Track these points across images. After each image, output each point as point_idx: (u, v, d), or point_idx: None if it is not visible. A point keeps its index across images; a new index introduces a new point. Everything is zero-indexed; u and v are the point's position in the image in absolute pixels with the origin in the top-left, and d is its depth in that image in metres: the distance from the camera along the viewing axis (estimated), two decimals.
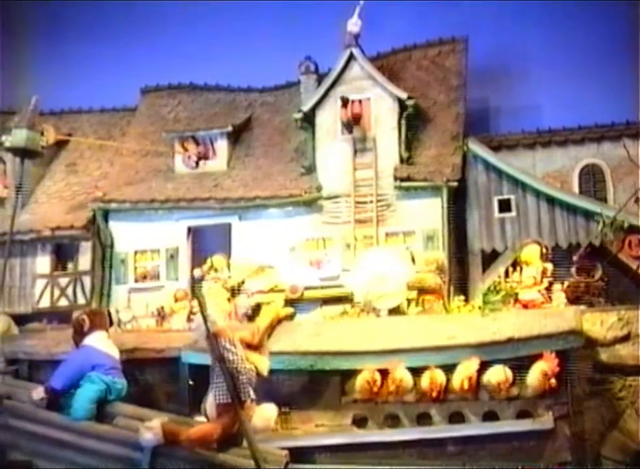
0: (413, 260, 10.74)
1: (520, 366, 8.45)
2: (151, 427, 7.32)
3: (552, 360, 8.20)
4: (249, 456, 7.09)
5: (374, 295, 10.13)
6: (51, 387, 7.90)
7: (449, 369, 8.53)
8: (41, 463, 7.70)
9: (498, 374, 8.37)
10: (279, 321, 9.25)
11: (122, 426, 7.69)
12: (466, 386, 8.38)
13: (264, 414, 7.57)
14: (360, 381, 8.59)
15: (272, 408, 7.70)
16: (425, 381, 8.50)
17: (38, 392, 7.94)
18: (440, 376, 8.47)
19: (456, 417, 8.49)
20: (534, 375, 8.29)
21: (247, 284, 11.27)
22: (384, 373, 8.58)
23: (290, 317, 10.19)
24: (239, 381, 7.34)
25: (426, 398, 8.50)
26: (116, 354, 8.23)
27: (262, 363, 7.69)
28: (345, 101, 11.78)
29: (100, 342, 8.17)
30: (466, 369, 8.39)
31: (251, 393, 7.46)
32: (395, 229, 11.49)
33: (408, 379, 8.52)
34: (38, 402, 7.92)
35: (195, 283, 7.41)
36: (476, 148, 11.53)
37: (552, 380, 8.21)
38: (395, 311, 10.15)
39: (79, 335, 8.27)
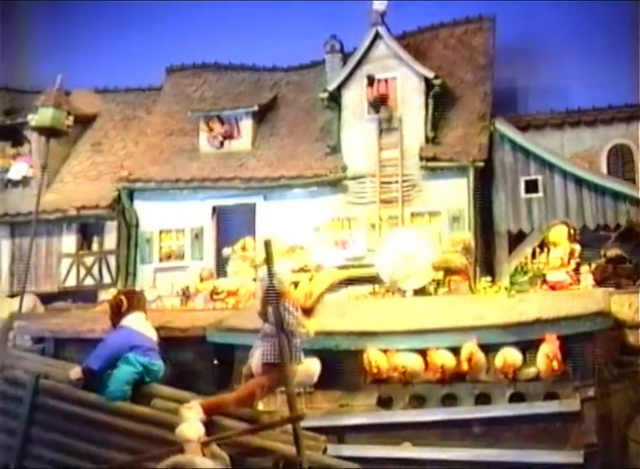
0: (439, 240, 10.65)
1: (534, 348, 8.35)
2: (191, 407, 7.27)
3: (554, 342, 8.11)
4: (287, 441, 7.04)
5: (400, 275, 10.08)
6: (89, 367, 7.86)
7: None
8: (78, 443, 7.69)
9: (501, 358, 8.28)
10: (335, 286, 9.14)
11: (159, 408, 7.67)
12: (466, 367, 8.30)
13: (308, 369, 7.53)
14: (364, 361, 8.53)
15: (316, 362, 7.65)
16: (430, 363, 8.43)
17: (76, 372, 7.91)
18: (439, 358, 8.38)
19: (482, 399, 8.42)
20: (540, 357, 8.22)
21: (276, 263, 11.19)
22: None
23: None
24: (292, 343, 7.27)
25: (439, 378, 8.42)
26: (153, 335, 8.18)
27: (312, 327, 7.61)
28: (371, 80, 11.69)
29: (138, 323, 8.11)
30: (465, 350, 8.30)
31: (302, 356, 7.42)
32: (420, 209, 11.42)
33: (412, 363, 8.44)
34: (75, 382, 7.90)
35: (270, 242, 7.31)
36: (503, 128, 11.42)
37: (555, 363, 8.11)
38: (420, 291, 10.09)
39: (117, 315, 8.19)
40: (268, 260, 7.21)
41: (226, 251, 11.90)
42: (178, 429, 6.86)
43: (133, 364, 7.79)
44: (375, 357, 8.44)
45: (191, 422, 6.89)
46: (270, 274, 7.19)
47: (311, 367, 7.60)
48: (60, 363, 8.59)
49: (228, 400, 7.35)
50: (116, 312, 8.21)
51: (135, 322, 8.10)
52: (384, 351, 8.51)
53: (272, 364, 7.23)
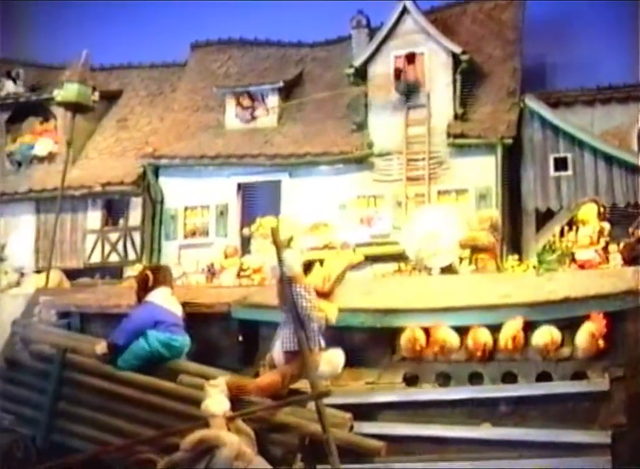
0: (466, 218, 10.53)
1: (572, 326, 8.24)
2: (216, 384, 7.25)
3: (600, 321, 7.99)
4: (313, 418, 7.00)
5: (426, 253, 9.98)
6: (114, 342, 7.88)
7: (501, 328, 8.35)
8: (104, 418, 7.71)
9: (544, 336, 8.17)
10: (352, 268, 9.09)
11: (185, 384, 7.67)
12: (510, 346, 8.20)
13: (331, 360, 7.46)
14: (403, 339, 8.45)
15: (339, 353, 7.57)
16: (469, 341, 8.34)
17: (101, 347, 7.93)
18: (483, 336, 8.29)
19: (508, 378, 8.33)
20: (582, 336, 8.09)
21: (300, 240, 11.18)
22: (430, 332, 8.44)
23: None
24: (309, 329, 7.21)
25: (474, 357, 8.35)
26: (178, 311, 8.17)
27: (332, 312, 7.54)
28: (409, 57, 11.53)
29: (163, 298, 8.10)
30: (510, 328, 8.20)
31: (321, 341, 7.34)
32: (447, 187, 11.34)
33: (452, 339, 8.35)
34: (100, 357, 7.92)
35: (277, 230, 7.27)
36: (533, 104, 11.27)
37: (601, 341, 8.01)
38: (447, 269, 9.99)
39: (143, 290, 8.18)
40: (277, 248, 7.17)
41: (245, 231, 11.87)
42: (204, 404, 6.84)
43: (150, 342, 7.80)
44: (419, 334, 8.35)
45: (216, 397, 6.86)
46: (280, 261, 7.12)
47: (334, 358, 7.54)
48: (87, 337, 8.58)
49: (251, 387, 7.33)
50: (142, 288, 8.20)
51: (160, 297, 8.09)
52: (425, 328, 8.43)
53: (292, 352, 7.19)
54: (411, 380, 8.50)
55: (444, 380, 8.44)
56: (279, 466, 6.89)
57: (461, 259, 10.09)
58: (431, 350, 8.36)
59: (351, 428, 7.42)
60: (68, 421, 7.83)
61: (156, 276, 8.21)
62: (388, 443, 7.72)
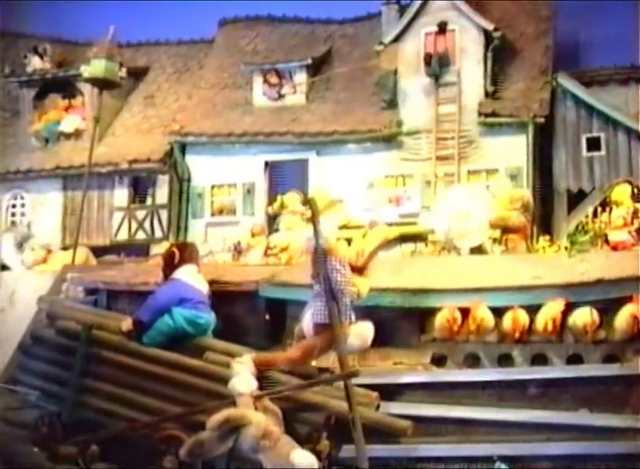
0: (496, 198, 10.38)
1: (607, 308, 8.11)
2: (242, 361, 7.20)
3: None
4: (340, 397, 6.94)
5: (455, 233, 9.85)
6: (139, 319, 7.84)
7: (533, 309, 8.22)
8: (130, 394, 7.70)
9: (584, 317, 8.04)
10: (387, 244, 8.98)
11: (211, 361, 7.63)
12: (550, 328, 8.07)
13: (361, 333, 7.36)
14: (439, 319, 8.34)
15: (369, 326, 7.47)
16: (507, 321, 8.22)
17: (127, 323, 7.90)
18: (523, 317, 8.18)
19: (539, 360, 8.22)
20: (623, 318, 7.94)
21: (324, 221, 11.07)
22: (464, 312, 8.34)
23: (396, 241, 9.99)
24: (341, 302, 7.12)
25: (508, 339, 8.24)
26: (205, 288, 8.11)
27: (364, 286, 7.44)
28: (442, 28, 11.33)
29: (189, 275, 8.05)
30: (551, 309, 8.07)
31: (352, 315, 7.26)
32: (477, 167, 11.21)
33: (489, 319, 8.24)
34: (126, 334, 7.89)
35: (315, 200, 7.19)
36: (566, 83, 11.07)
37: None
38: (476, 249, 9.86)
39: (169, 267, 8.13)
40: (313, 219, 7.06)
41: (269, 209, 11.80)
42: (231, 383, 6.78)
43: (176, 318, 7.76)
44: (457, 314, 8.25)
45: (244, 376, 6.80)
46: (316, 233, 7.02)
47: (364, 331, 7.43)
48: (112, 314, 8.56)
49: (279, 359, 7.26)
50: (169, 265, 8.15)
51: (186, 274, 8.04)
52: (462, 309, 8.32)
53: (322, 324, 7.11)
54: (439, 361, 8.41)
55: (472, 361, 8.35)
56: (305, 444, 6.83)
57: (491, 239, 9.96)
58: (467, 329, 8.25)
59: (378, 407, 7.34)
60: (93, 397, 7.82)
61: (182, 253, 8.16)
62: (415, 424, 7.65)
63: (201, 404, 7.26)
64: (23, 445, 7.79)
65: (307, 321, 7.27)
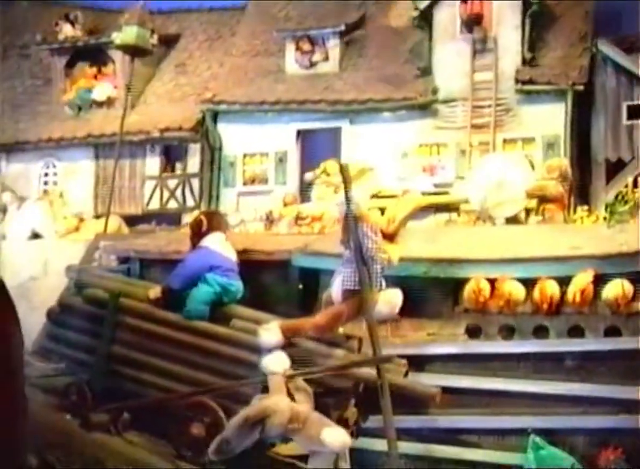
0: (533, 167, 10.20)
1: None
2: (269, 328, 7.16)
3: None
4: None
5: (491, 203, 9.69)
6: (168, 287, 7.79)
7: (570, 281, 8.06)
8: (158, 361, 7.70)
9: (616, 289, 7.86)
10: (418, 211, 8.85)
11: (238, 328, 7.59)
12: (578, 299, 7.91)
13: (390, 299, 7.26)
14: (467, 290, 8.21)
15: (397, 292, 7.37)
16: (536, 293, 8.07)
17: (155, 291, 7.85)
18: (551, 288, 8.00)
19: (575, 332, 8.07)
20: None
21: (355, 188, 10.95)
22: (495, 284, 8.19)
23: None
24: (372, 269, 7.03)
25: (539, 310, 8.09)
26: (233, 256, 8.04)
27: (395, 253, 7.32)
28: None
29: (217, 243, 7.97)
30: (580, 281, 7.90)
31: (382, 282, 7.16)
32: (514, 135, 11.00)
33: (518, 292, 8.09)
34: (154, 302, 7.85)
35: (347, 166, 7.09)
36: (606, 49, 10.79)
37: None
38: (512, 219, 9.70)
39: (197, 235, 8.05)
40: (345, 185, 6.94)
41: (308, 175, 11.67)
42: (264, 361, 6.73)
43: (212, 284, 7.69)
44: (483, 285, 8.11)
45: (277, 354, 6.74)
46: (347, 199, 6.90)
47: (393, 298, 7.30)
48: (140, 282, 8.54)
49: (306, 326, 7.18)
50: (197, 233, 8.09)
51: (214, 242, 7.97)
52: (490, 279, 8.18)
53: (351, 291, 7.01)
54: (474, 332, 8.29)
55: (507, 332, 8.22)
56: (332, 412, 6.78)
57: (527, 210, 9.79)
58: (496, 302, 8.12)
59: (406, 374, 7.26)
60: (121, 365, 7.82)
61: (210, 221, 8.09)
62: (449, 396, 7.57)
63: (227, 371, 7.27)
64: (55, 412, 7.82)
65: (336, 287, 7.18)
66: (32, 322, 8.64)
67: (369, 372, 6.85)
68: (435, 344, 8.20)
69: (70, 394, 7.85)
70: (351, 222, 6.93)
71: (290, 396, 6.44)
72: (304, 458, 6.71)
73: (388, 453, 6.74)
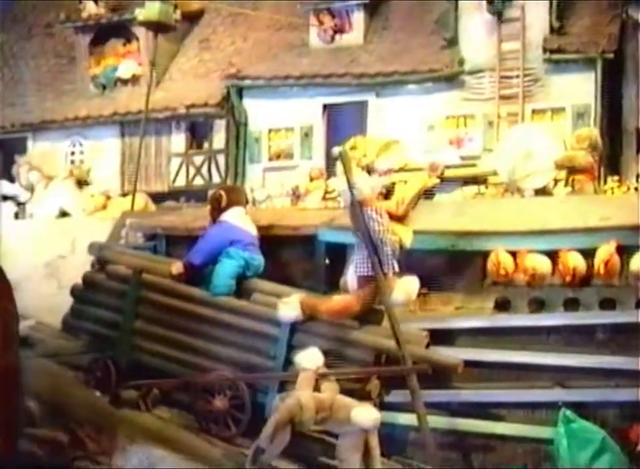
0: (562, 137, 10.04)
1: None
2: (289, 302, 7.16)
3: None
4: (389, 335, 6.84)
5: (519, 174, 9.56)
6: (190, 262, 7.82)
7: None
8: (180, 336, 7.72)
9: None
10: (426, 191, 8.79)
11: (259, 302, 7.59)
12: (602, 271, 7.78)
13: (406, 287, 7.22)
14: (488, 263, 8.12)
15: (414, 280, 7.33)
16: (559, 265, 7.94)
17: (177, 267, 7.88)
18: (573, 260, 7.87)
19: (606, 304, 7.96)
20: None
21: (377, 163, 10.89)
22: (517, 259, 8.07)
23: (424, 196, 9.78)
24: (383, 252, 6.99)
25: (565, 283, 7.98)
26: (253, 230, 8.05)
27: (406, 235, 7.28)
28: None
29: (237, 218, 7.98)
30: (603, 252, 7.76)
31: (395, 265, 7.11)
32: (542, 106, 10.86)
33: (541, 265, 7.96)
34: (176, 277, 7.87)
35: (346, 153, 7.07)
36: (637, 15, 10.54)
37: None
38: (541, 191, 9.57)
39: (217, 210, 8.08)
40: (346, 172, 7.01)
41: (335, 150, 11.55)
42: (297, 357, 6.72)
43: (236, 258, 7.71)
44: (503, 258, 8.02)
45: (311, 351, 6.73)
46: (350, 185, 6.94)
47: (409, 285, 7.28)
48: (162, 258, 8.59)
49: (322, 309, 7.19)
50: (216, 208, 8.11)
51: (234, 216, 7.98)
52: (512, 252, 8.08)
53: (365, 277, 6.99)
54: (503, 306, 8.21)
55: (537, 305, 8.13)
56: (355, 384, 6.77)
57: (556, 181, 9.65)
58: (520, 275, 8.02)
59: (428, 345, 7.21)
60: (144, 340, 7.88)
61: (229, 196, 8.09)
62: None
63: (248, 345, 7.31)
64: (84, 389, 7.88)
65: (350, 274, 7.18)
66: (60, 300, 8.73)
67: (390, 344, 6.82)
68: (463, 318, 8.13)
69: (94, 370, 7.93)
70: (356, 208, 6.90)
71: (317, 387, 6.44)
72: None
73: (418, 426, 6.73)
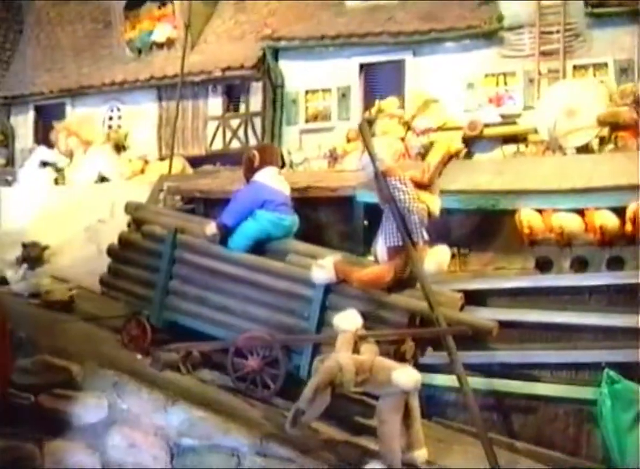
0: (605, 93, 9.80)
1: None
2: (323, 265, 7.11)
3: None
4: (422, 297, 6.77)
5: (561, 132, 9.37)
6: (223, 223, 7.78)
7: None
8: (214, 296, 7.73)
9: None
10: (450, 158, 8.67)
11: (294, 263, 7.56)
12: (629, 228, 7.62)
13: (437, 256, 7.14)
14: (517, 221, 7.98)
15: (445, 249, 7.24)
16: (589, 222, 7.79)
17: (211, 228, 7.85)
18: (600, 218, 7.70)
19: None
20: None
21: (416, 121, 10.76)
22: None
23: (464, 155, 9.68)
24: (410, 221, 6.91)
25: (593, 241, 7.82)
26: (286, 190, 7.97)
27: (434, 203, 7.17)
28: None
29: (270, 178, 7.90)
30: (630, 210, 7.59)
31: (424, 234, 7.02)
32: (584, 61, 10.57)
33: (569, 224, 7.81)
34: (210, 238, 7.86)
35: (365, 126, 7.01)
36: None
37: None
38: (583, 148, 9.38)
39: (250, 170, 8.00)
40: (366, 144, 6.92)
41: (366, 114, 11.49)
42: (336, 318, 6.67)
43: (260, 221, 7.66)
44: (528, 217, 7.88)
45: (350, 312, 6.67)
46: (371, 157, 6.83)
47: (440, 254, 7.17)
48: (196, 218, 8.57)
49: (353, 277, 7.10)
50: (249, 168, 8.03)
51: (267, 176, 7.90)
52: (540, 211, 7.94)
53: (395, 247, 6.90)
54: (544, 265, 8.10)
55: (579, 265, 8.00)
56: (389, 346, 6.72)
57: (599, 138, 9.45)
58: (545, 234, 7.88)
59: (462, 308, 7.13)
60: (179, 299, 7.90)
61: (262, 156, 8.00)
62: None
63: (282, 305, 7.31)
64: (127, 352, 7.95)
65: (380, 245, 7.09)
66: (100, 264, 8.77)
67: (424, 305, 6.76)
68: (504, 278, 8.04)
69: (129, 328, 7.99)
70: (380, 179, 6.81)
71: (356, 349, 6.40)
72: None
73: (459, 388, 6.69)
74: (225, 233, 7.75)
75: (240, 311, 7.54)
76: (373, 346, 6.53)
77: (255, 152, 8.03)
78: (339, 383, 6.07)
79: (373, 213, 8.40)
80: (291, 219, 7.85)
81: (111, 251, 8.48)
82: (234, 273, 7.66)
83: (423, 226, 7.01)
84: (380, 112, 11.28)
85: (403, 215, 6.86)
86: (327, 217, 8.73)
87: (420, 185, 7.15)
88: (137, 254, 8.27)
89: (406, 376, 6.12)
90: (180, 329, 7.88)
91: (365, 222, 8.52)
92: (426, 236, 7.00)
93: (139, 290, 8.14)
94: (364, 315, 6.71)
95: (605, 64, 10.45)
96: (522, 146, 10.16)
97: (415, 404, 6.29)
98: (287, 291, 7.37)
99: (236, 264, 7.67)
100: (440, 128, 10.68)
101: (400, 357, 6.64)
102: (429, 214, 7.12)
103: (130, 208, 8.61)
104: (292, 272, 7.41)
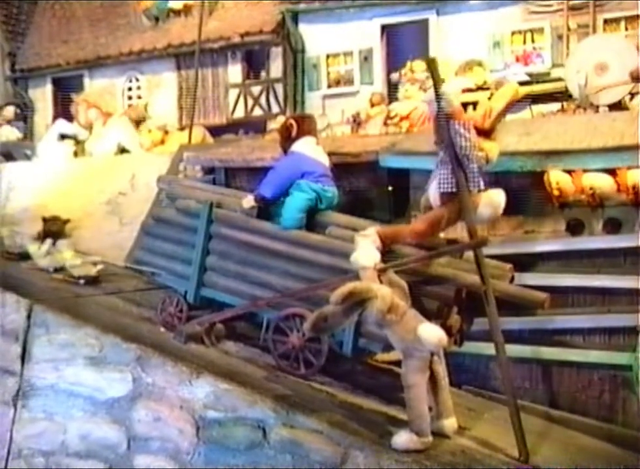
0: (638, 47, 9.45)
1: None
2: (367, 234, 6.83)
3: None
4: (470, 270, 6.53)
5: (592, 89, 9.04)
6: (261, 195, 7.49)
7: None
8: (253, 272, 7.48)
9: None
10: (516, 102, 8.33)
11: (335, 236, 7.31)
12: None
13: (492, 201, 6.80)
14: (546, 182, 7.69)
15: (500, 193, 6.91)
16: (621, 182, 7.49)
17: (248, 200, 7.58)
18: (630, 178, 7.40)
19: None
20: None
21: (452, 82, 10.44)
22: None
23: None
24: (469, 169, 6.60)
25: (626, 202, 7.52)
26: (326, 161, 7.65)
27: (493, 150, 6.84)
28: None
29: (309, 148, 7.57)
30: None
31: (481, 183, 6.72)
32: (615, 15, 10.27)
33: (602, 184, 7.52)
34: (248, 211, 7.61)
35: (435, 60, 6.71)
36: None
37: None
38: (616, 106, 9.06)
39: (287, 141, 7.66)
40: (435, 81, 6.43)
41: (394, 76, 11.19)
42: (353, 256, 6.45)
43: (306, 191, 7.35)
44: (557, 178, 7.60)
45: (366, 249, 6.44)
46: (437, 95, 6.40)
47: (494, 198, 6.82)
48: (232, 191, 8.29)
49: (405, 232, 6.81)
50: (286, 138, 7.71)
51: (306, 147, 7.59)
52: (569, 172, 7.66)
53: (449, 193, 6.60)
54: (576, 228, 7.84)
55: (612, 226, 7.73)
56: (434, 319, 6.49)
57: (632, 94, 9.12)
58: (577, 196, 7.61)
59: (512, 279, 6.88)
60: (216, 276, 7.68)
61: (300, 125, 7.67)
62: (552, 295, 7.19)
63: (324, 280, 7.02)
64: (150, 325, 7.83)
65: (433, 191, 6.76)
66: (123, 236, 8.65)
67: (471, 278, 6.51)
68: (535, 242, 7.79)
69: (166, 306, 7.82)
70: (442, 121, 6.50)
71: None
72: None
73: (489, 355, 6.50)
74: (263, 206, 7.51)
75: (281, 287, 7.27)
76: (403, 294, 6.29)
77: (293, 121, 7.69)
78: (370, 308, 5.84)
79: (398, 179, 8.21)
80: (333, 191, 7.59)
81: (144, 228, 8.29)
82: (274, 247, 7.36)
83: (481, 175, 6.70)
84: (411, 71, 10.96)
85: (462, 161, 6.55)
86: (351, 184, 8.49)
87: (480, 132, 6.82)
88: (171, 230, 8.02)
89: (432, 331, 5.89)
90: (217, 306, 7.69)
91: (390, 188, 8.28)
92: (482, 185, 6.70)
93: (176, 267, 7.92)
94: (410, 286, 6.48)
95: (637, 17, 10.09)
96: (552, 106, 9.85)
97: (440, 370, 6.08)
98: (328, 265, 7.07)
99: (275, 238, 7.38)
100: (479, 88, 10.36)
101: (446, 331, 6.36)
102: (487, 161, 6.81)
103: (162, 182, 8.41)
104: (334, 245, 7.16)
